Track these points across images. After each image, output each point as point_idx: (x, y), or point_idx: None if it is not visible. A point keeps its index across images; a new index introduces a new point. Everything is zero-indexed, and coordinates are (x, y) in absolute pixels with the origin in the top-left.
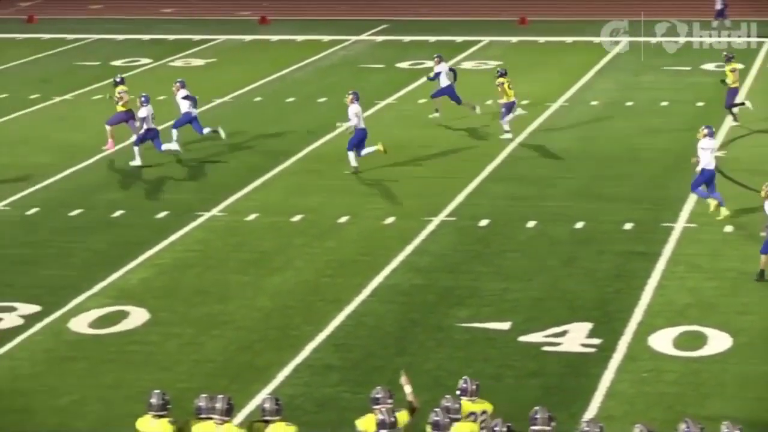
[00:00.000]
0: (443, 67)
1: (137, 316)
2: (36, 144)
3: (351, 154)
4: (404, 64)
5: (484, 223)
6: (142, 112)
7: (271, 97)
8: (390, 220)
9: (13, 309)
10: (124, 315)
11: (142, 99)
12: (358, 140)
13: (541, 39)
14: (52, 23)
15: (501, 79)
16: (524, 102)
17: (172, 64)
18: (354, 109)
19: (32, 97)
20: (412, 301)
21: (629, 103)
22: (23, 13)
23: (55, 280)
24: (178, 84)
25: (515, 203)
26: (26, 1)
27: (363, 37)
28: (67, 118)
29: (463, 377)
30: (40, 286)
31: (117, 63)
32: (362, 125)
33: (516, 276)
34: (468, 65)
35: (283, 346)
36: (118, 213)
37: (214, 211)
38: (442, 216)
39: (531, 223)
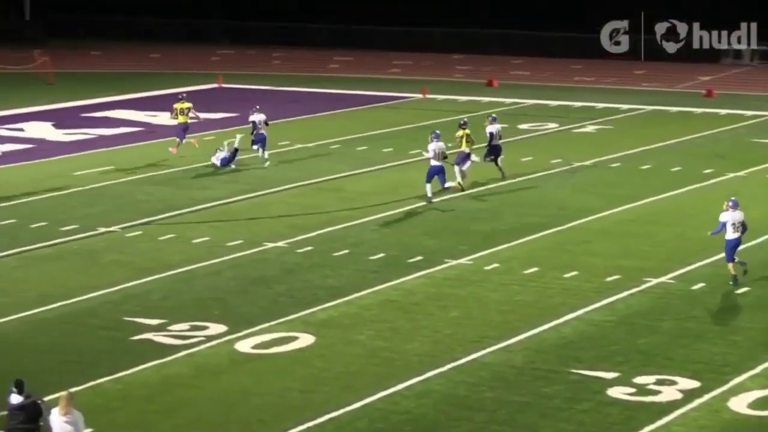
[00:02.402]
0: (493, 128)
1: None
2: (701, 218)
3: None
4: None
5: None
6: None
7: None
8: None
9: (672, 383)
10: None
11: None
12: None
13: None
14: (731, 99)
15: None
16: None
17: None
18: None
19: (705, 171)
20: None
21: None
22: (702, 87)
23: (717, 357)
24: None
25: None
26: (705, 75)
27: None
28: (738, 195)
29: None
30: (701, 362)
31: None
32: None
33: None
34: None
35: None
36: None
37: None
38: None
39: None
